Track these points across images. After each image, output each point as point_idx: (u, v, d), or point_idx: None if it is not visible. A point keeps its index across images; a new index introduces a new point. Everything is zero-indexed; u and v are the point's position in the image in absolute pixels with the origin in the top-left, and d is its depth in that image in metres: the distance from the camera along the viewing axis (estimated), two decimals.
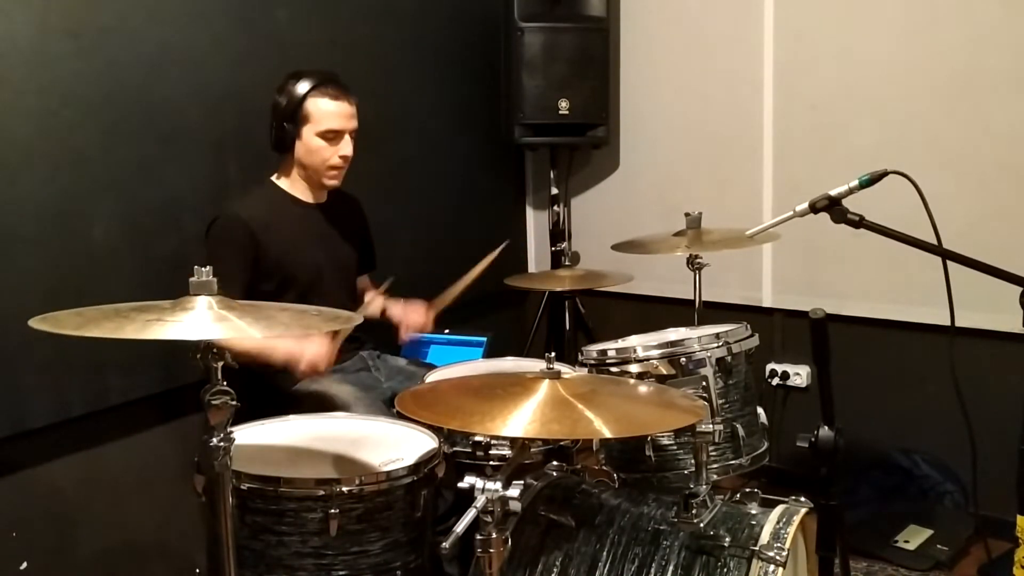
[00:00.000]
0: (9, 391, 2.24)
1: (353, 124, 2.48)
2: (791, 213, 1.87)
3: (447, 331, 2.91)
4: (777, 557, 1.66)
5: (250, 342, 2.15)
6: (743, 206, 3.41)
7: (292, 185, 2.54)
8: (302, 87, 2.41)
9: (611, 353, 2.25)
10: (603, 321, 3.72)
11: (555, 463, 2.06)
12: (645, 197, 3.71)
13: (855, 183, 1.80)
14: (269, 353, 2.28)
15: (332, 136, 2.45)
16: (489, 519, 1.50)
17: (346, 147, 2.48)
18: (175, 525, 2.56)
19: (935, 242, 1.84)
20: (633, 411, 1.70)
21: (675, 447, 2.16)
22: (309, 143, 2.45)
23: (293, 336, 2.27)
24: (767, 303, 3.46)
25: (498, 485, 1.50)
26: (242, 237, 2.38)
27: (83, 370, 2.38)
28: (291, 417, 2.22)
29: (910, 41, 3.05)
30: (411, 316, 2.69)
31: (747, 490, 1.94)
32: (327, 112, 2.44)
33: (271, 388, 2.41)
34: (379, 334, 2.72)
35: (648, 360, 2.20)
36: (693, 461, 1.89)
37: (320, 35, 2.95)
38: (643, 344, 2.24)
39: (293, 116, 2.42)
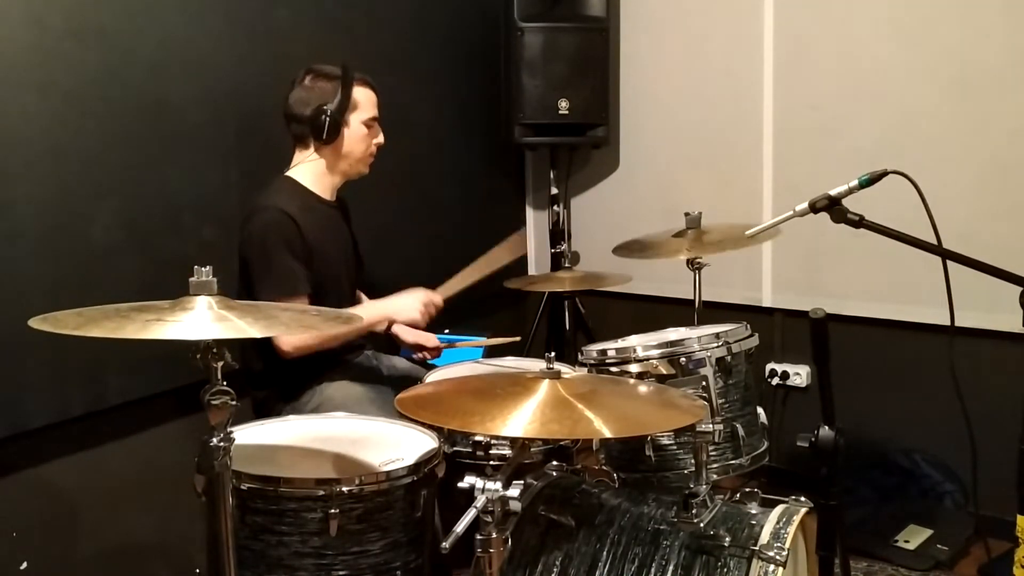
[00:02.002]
0: (9, 391, 2.24)
1: None
2: (791, 213, 1.87)
3: (447, 331, 2.90)
4: (777, 557, 1.66)
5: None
6: (743, 206, 3.41)
7: (313, 181, 2.48)
8: (345, 77, 2.41)
9: (611, 353, 2.25)
10: (603, 321, 3.72)
11: (555, 463, 2.06)
12: (645, 197, 3.71)
13: (855, 183, 1.80)
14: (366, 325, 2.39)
15: (372, 123, 2.49)
16: (489, 519, 1.50)
17: (381, 135, 2.53)
18: (175, 525, 2.56)
19: (935, 242, 1.84)
20: (633, 411, 1.70)
21: (675, 447, 2.16)
22: (357, 131, 2.46)
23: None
24: (767, 303, 3.46)
25: (498, 485, 1.50)
26: (295, 230, 2.34)
27: (83, 370, 2.38)
28: (291, 417, 2.22)
29: (910, 41, 3.05)
30: (423, 342, 2.72)
31: (747, 490, 1.94)
32: (369, 100, 2.49)
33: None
34: (376, 335, 2.72)
35: (648, 360, 2.19)
36: (693, 461, 1.89)
37: (320, 35, 2.95)
38: (643, 344, 2.24)
39: (342, 105, 2.41)
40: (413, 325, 2.50)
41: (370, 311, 2.47)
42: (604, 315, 3.75)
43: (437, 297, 2.54)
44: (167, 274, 2.39)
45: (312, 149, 2.47)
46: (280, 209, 2.35)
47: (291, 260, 2.33)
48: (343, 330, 2.34)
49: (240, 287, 2.39)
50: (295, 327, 1.69)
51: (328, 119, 2.39)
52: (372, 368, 2.64)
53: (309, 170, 2.48)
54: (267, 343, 2.36)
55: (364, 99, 2.47)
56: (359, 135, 2.47)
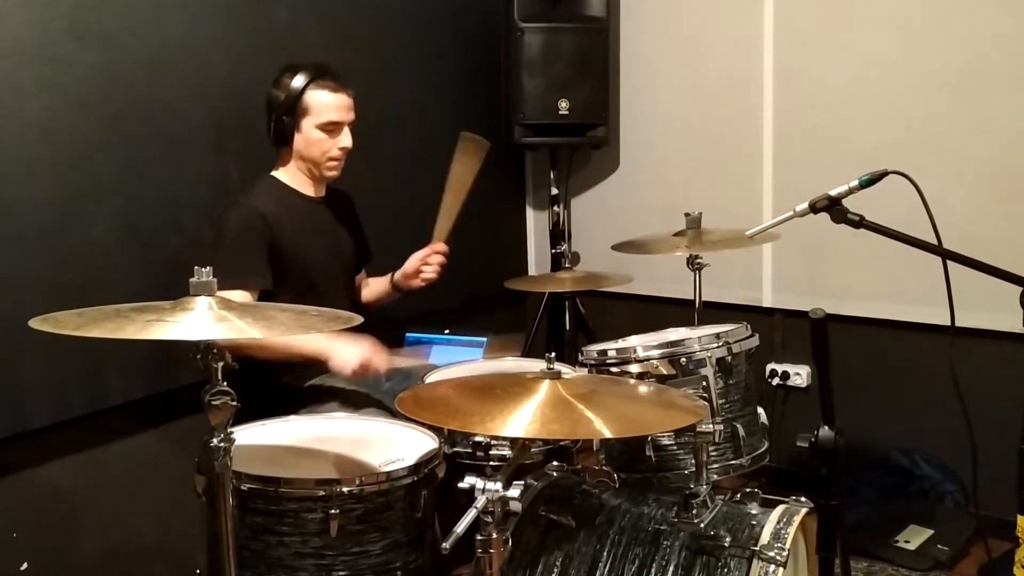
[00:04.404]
0: (9, 391, 2.24)
1: (351, 116, 2.48)
2: (791, 213, 1.87)
3: (447, 331, 2.91)
4: (777, 557, 1.66)
5: (279, 340, 2.22)
6: (743, 206, 3.41)
7: (292, 179, 2.51)
8: (300, 80, 2.40)
9: (611, 353, 2.25)
10: (603, 321, 3.72)
11: (555, 463, 2.06)
12: (645, 197, 3.71)
13: (855, 183, 1.80)
14: (299, 349, 2.29)
15: (332, 128, 2.44)
16: (489, 519, 1.50)
17: (345, 139, 2.47)
18: (175, 525, 2.56)
19: (935, 242, 1.84)
20: (633, 411, 1.70)
21: (675, 447, 2.15)
22: (309, 135, 2.44)
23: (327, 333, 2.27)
24: (767, 303, 3.46)
25: (498, 485, 1.50)
26: (261, 227, 2.36)
27: (83, 370, 2.38)
28: (291, 417, 2.22)
29: (910, 41, 3.05)
30: (427, 260, 2.66)
31: (747, 490, 1.94)
32: (326, 104, 2.43)
33: (278, 386, 2.42)
34: (377, 334, 2.71)
35: (648, 360, 2.19)
36: (693, 461, 1.89)
37: (320, 35, 2.95)
38: (643, 344, 2.24)
39: (292, 109, 2.40)
40: (340, 372, 2.29)
41: (311, 340, 2.30)
42: (604, 315, 3.75)
43: (382, 362, 2.32)
44: (167, 274, 2.40)
45: (283, 151, 2.50)
46: (252, 207, 2.38)
47: (245, 254, 2.33)
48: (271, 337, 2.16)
49: None
50: (295, 328, 1.69)
51: (274, 123, 2.42)
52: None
53: (288, 170, 2.51)
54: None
55: (322, 103, 2.42)
56: (310, 140, 2.44)
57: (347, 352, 2.26)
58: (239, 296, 2.27)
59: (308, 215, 2.51)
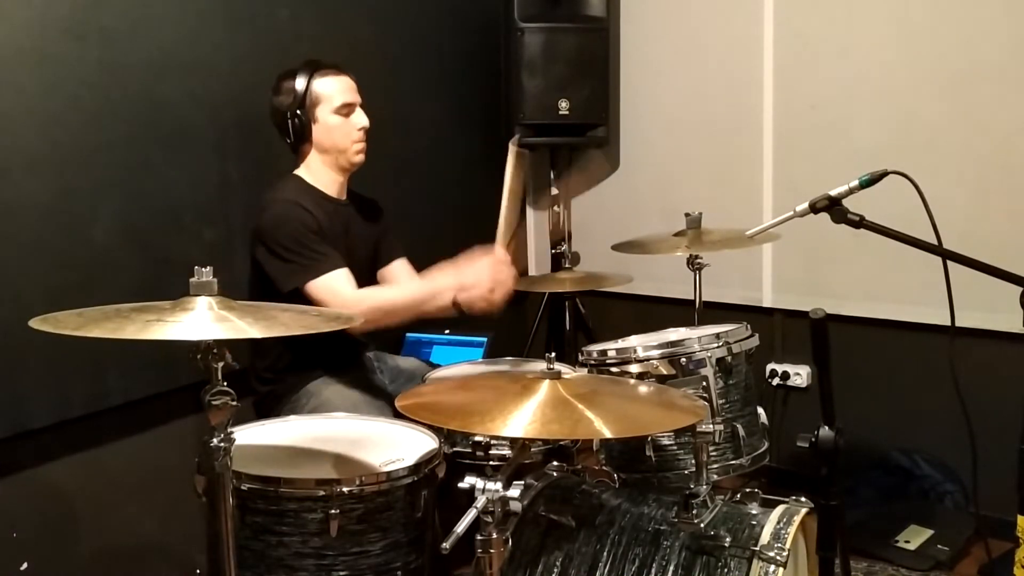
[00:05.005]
0: (9, 391, 2.24)
1: (359, 97, 2.49)
2: (791, 213, 1.87)
3: (447, 331, 2.91)
4: (778, 557, 1.66)
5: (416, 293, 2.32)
6: (743, 206, 3.41)
7: (316, 178, 2.49)
8: (301, 76, 2.41)
9: (611, 353, 2.25)
10: (603, 321, 3.72)
11: (555, 463, 2.06)
12: (645, 197, 3.71)
13: (855, 183, 1.80)
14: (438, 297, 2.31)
15: (347, 109, 2.46)
16: (489, 519, 1.50)
17: (361, 118, 2.48)
18: (176, 526, 2.56)
19: (935, 242, 1.84)
20: (633, 411, 1.70)
21: (675, 447, 2.16)
22: (328, 122, 2.44)
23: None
24: (767, 303, 3.46)
25: (498, 485, 1.50)
26: (311, 221, 2.36)
27: (83, 370, 2.38)
28: (291, 417, 2.23)
29: (910, 41, 3.05)
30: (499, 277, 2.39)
31: (747, 490, 1.94)
32: (335, 88, 2.45)
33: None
34: (377, 335, 2.72)
35: (648, 360, 2.19)
36: (693, 461, 1.89)
37: (321, 36, 2.95)
38: (643, 344, 2.24)
39: (303, 103, 2.41)
40: (470, 306, 2.31)
41: (431, 287, 2.35)
42: (604, 315, 3.75)
43: (500, 253, 2.35)
44: (167, 274, 2.39)
45: (303, 150, 2.49)
46: (295, 201, 2.38)
47: (317, 242, 2.34)
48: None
49: (253, 281, 2.39)
50: (295, 327, 1.69)
51: (291, 122, 2.42)
52: (372, 370, 2.64)
53: (311, 170, 2.50)
54: (265, 342, 2.35)
55: (330, 89, 2.44)
56: (331, 126, 2.45)
57: (476, 275, 2.31)
58: (341, 276, 2.30)
59: (334, 216, 2.50)
